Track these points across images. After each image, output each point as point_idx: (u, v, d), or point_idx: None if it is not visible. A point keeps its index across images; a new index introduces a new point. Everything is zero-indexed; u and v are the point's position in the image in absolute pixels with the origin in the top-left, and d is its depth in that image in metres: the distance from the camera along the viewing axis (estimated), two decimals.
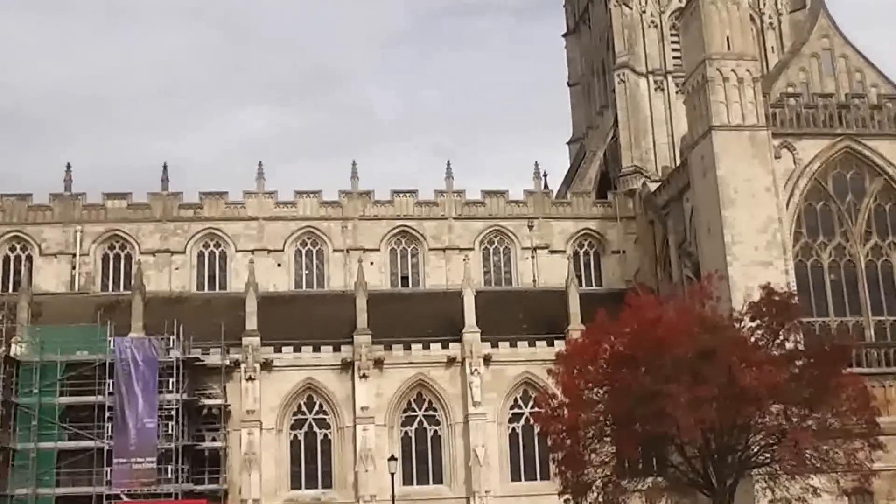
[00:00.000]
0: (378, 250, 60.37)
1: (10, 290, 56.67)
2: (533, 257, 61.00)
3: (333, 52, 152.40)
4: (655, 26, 68.72)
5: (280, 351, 51.97)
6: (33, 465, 47.58)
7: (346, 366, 51.84)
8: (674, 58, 66.98)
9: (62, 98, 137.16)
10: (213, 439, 50.51)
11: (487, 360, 52.35)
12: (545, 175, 65.04)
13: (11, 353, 48.72)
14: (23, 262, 58.13)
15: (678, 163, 60.90)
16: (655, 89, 67.12)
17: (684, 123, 58.96)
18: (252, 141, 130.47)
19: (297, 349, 52.22)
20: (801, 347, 39.45)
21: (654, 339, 36.22)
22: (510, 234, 61.53)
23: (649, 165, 64.49)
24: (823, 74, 55.39)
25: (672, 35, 67.46)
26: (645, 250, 60.97)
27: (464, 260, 57.44)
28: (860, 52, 55.96)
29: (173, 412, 48.57)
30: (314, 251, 60.55)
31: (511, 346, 53.02)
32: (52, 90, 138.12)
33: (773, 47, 68.44)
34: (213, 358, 50.93)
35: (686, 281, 53.74)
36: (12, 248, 59.01)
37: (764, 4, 69.69)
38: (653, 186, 62.17)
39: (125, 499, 46.13)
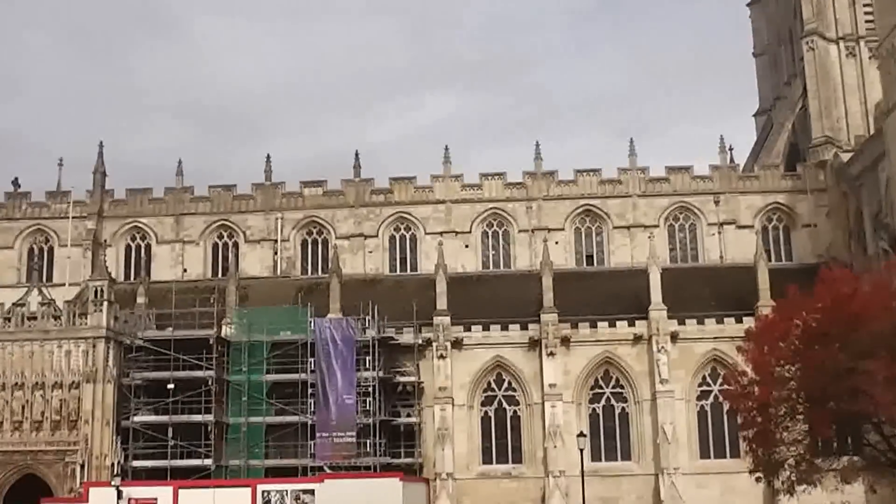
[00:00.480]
0: (562, 229, 61.24)
1: (220, 275, 60.87)
2: (719, 233, 60.37)
3: (516, 35, 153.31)
4: None
5: (469, 330, 53.45)
6: (244, 438, 50.79)
7: (534, 344, 52.85)
8: (866, 21, 64.13)
9: (261, 93, 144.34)
10: (408, 415, 52.62)
11: (674, 337, 52.22)
12: (731, 149, 64.23)
13: (222, 334, 52.11)
14: (230, 249, 62.29)
15: (872, 131, 58.50)
16: (847, 56, 64.51)
17: (878, 90, 56.73)
18: (438, 125, 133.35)
19: (486, 328, 53.58)
20: None
21: (849, 315, 35.46)
22: (695, 210, 61.11)
23: (841, 135, 62.16)
24: None
25: None
26: (837, 223, 59.15)
27: (648, 237, 57.43)
28: None
29: (370, 389, 50.80)
30: (500, 232, 62.04)
31: (698, 323, 52.65)
32: (251, 86, 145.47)
33: None
34: (406, 337, 52.97)
35: (882, 254, 51.82)
36: (220, 236, 63.40)
37: None
38: (845, 157, 59.96)
39: (328, 470, 48.37)
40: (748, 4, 79.10)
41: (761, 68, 77.07)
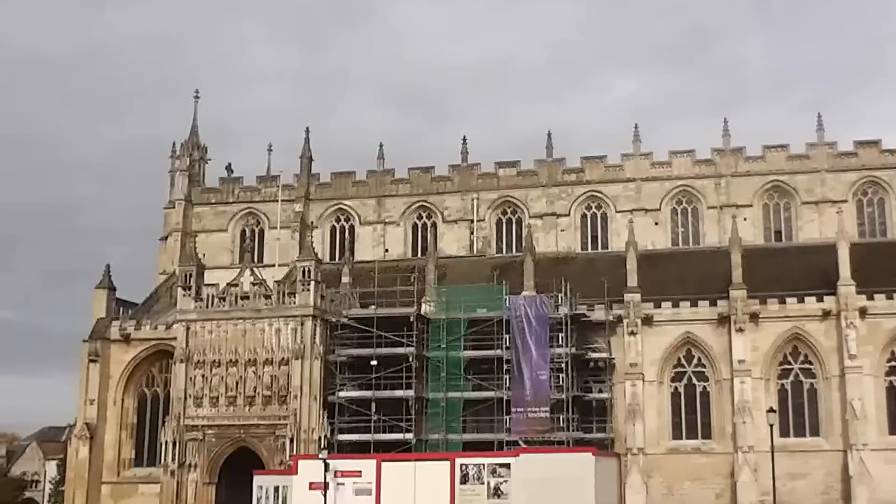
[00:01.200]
0: (750, 206, 61.65)
1: (419, 255, 63.80)
2: None
3: (705, 11, 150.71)
4: None
5: (659, 306, 54.35)
6: (443, 413, 52.71)
7: (723, 320, 53.41)
8: None
9: (454, 78, 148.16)
10: (600, 391, 53.99)
11: (863, 312, 51.89)
12: None
13: (422, 312, 54.38)
14: (428, 229, 65.58)
15: None
16: None
17: None
18: (628, 104, 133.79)
19: (675, 304, 54.36)
20: None
21: None
22: (884, 185, 60.43)
23: None
24: None
25: None
26: None
27: (837, 212, 56.96)
28: None
29: (563, 365, 52.09)
30: (689, 209, 63.00)
31: (887, 298, 52.16)
32: (445, 71, 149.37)
33: None
34: (598, 314, 54.17)
35: None
36: (419, 217, 66.68)
37: None
38: None
39: (523, 445, 50.05)
40: None
41: None
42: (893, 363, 52.56)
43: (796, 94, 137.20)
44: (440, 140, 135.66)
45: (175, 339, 54.85)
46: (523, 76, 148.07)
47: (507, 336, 53.18)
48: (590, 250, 63.49)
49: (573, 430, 51.54)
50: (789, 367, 53.54)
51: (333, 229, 67.42)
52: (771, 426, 46.16)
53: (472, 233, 65.10)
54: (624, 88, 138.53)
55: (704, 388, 54.07)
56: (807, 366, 53.30)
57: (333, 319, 53.86)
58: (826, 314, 52.79)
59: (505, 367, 52.83)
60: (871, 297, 52.41)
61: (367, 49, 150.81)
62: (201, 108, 70.83)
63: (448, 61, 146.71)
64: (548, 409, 51.68)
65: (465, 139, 67.08)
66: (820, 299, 52.98)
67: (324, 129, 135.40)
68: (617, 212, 63.33)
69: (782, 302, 53.52)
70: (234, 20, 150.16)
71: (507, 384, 52.58)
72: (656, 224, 62.70)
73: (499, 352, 53.09)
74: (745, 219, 60.41)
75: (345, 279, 58.39)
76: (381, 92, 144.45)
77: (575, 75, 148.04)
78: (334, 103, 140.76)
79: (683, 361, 54.66)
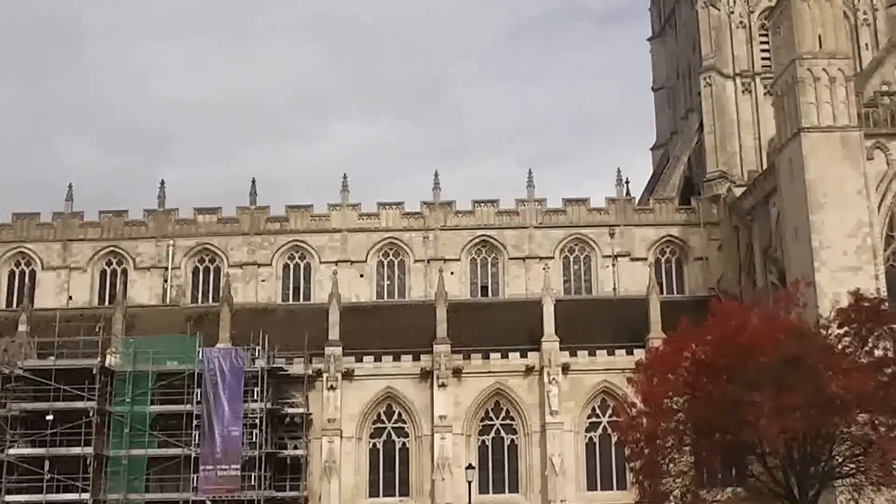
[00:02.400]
0: (458, 260, 60.91)
1: (107, 303, 58.75)
2: (614, 265, 60.52)
3: (429, 64, 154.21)
4: (744, 27, 67.29)
5: (361, 360, 52.75)
6: (125, 471, 49.32)
7: (426, 375, 52.27)
8: (762, 59, 65.58)
9: (165, 117, 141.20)
10: (295, 447, 51.49)
11: (566, 368, 52.14)
12: (627, 182, 64.82)
13: (107, 364, 50.45)
14: (118, 276, 60.38)
15: (765, 167, 59.40)
16: (742, 92, 65.71)
17: (772, 126, 57.97)
18: (341, 153, 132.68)
19: (378, 358, 52.90)
20: (890, 355, 38.09)
21: (737, 347, 35.78)
22: (591, 242, 61.25)
23: (735, 170, 63.16)
24: None
25: (761, 35, 66.05)
26: (729, 257, 59.80)
27: (543, 269, 57.46)
28: None
29: (257, 420, 49.67)
30: (396, 262, 61.39)
31: (590, 354, 52.80)
32: (152, 110, 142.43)
33: (867, 44, 66.06)
34: (297, 367, 51.99)
35: (771, 287, 52.37)
36: (108, 263, 61.41)
37: (859, 0, 67.65)
38: (738, 192, 60.81)
39: None
40: (649, 39, 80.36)
41: (660, 102, 78.13)
42: (594, 419, 52.90)
43: (510, 150, 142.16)
44: (142, 184, 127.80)
45: None
46: (238, 120, 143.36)
47: (199, 390, 50.27)
48: (292, 302, 60.30)
49: (265, 489, 49.31)
50: (491, 422, 52.96)
51: (12, 274, 61.63)
52: (469, 483, 45.23)
53: (166, 281, 60.45)
54: (352, 135, 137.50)
55: (404, 444, 52.68)
56: (508, 421, 52.88)
57: (6, 371, 49.95)
58: (529, 370, 52.62)
59: (195, 422, 49.92)
60: (574, 354, 52.80)
61: (61, 84, 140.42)
62: None
63: (156, 101, 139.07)
64: (239, 466, 49.13)
65: (162, 183, 63.15)
66: (524, 355, 52.85)
67: (16, 169, 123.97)
68: (322, 263, 60.67)
69: (486, 357, 53.04)
70: None
71: (197, 440, 49.65)
72: (361, 276, 60.60)
73: (189, 406, 50.13)
74: (452, 273, 59.47)
75: (22, 328, 54.11)
76: (102, 129, 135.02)
77: (303, 119, 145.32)
78: (50, 139, 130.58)
79: (384, 417, 53.19)
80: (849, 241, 48.01)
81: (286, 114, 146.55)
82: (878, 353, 37.56)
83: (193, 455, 49.31)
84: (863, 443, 35.90)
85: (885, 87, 52.68)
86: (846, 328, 37.57)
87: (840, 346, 37.42)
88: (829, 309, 40.38)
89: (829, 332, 37.92)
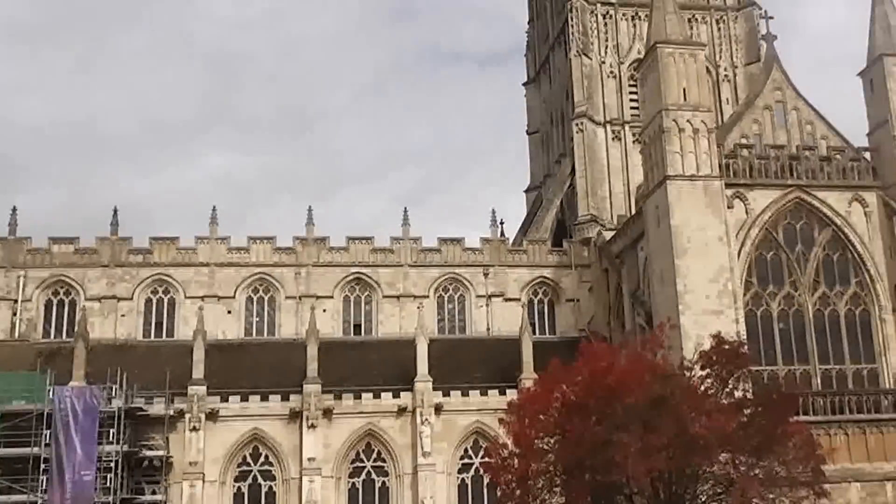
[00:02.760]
0: (331, 297, 59.63)
1: None
2: (488, 305, 60.51)
3: (301, 96, 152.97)
4: (614, 77, 69.01)
5: (227, 400, 50.64)
6: None
7: (295, 415, 50.62)
8: (631, 108, 67.37)
9: (22, 141, 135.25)
10: (154, 492, 48.87)
11: (438, 409, 51.40)
12: (502, 223, 65.26)
13: None
14: None
15: (633, 212, 60.66)
16: (613, 139, 67.21)
17: (640, 173, 58.92)
18: (211, 185, 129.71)
19: (245, 398, 50.90)
20: (749, 396, 39.37)
21: (605, 388, 35.99)
22: (465, 282, 61.04)
23: (605, 214, 64.45)
24: (776, 126, 55.60)
25: (630, 86, 67.96)
26: (599, 299, 60.58)
27: (418, 308, 56.83)
28: (811, 106, 56.37)
29: (113, 464, 46.88)
30: (266, 298, 59.68)
31: (463, 395, 52.13)
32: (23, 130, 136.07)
33: (727, 99, 69.22)
34: (157, 408, 49.56)
35: (639, 329, 53.21)
36: None
37: (720, 57, 70.52)
38: (608, 235, 62.00)
39: None
40: (524, 84, 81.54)
41: (534, 146, 79.28)
42: (466, 461, 52.14)
43: (386, 187, 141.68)
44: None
45: None
46: (109, 143, 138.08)
47: (49, 431, 46.96)
48: (154, 338, 57.67)
49: None
50: (362, 464, 51.62)
51: None
52: None
53: (14, 314, 56.88)
54: (221, 167, 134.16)
55: (271, 487, 50.59)
56: (380, 463, 51.69)
57: None
58: (402, 410, 51.67)
59: (43, 466, 46.57)
60: (447, 394, 52.16)
61: None
62: None
63: (28, 123, 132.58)
64: None
65: (14, 209, 59.12)
66: (396, 395, 51.92)
67: None
68: (187, 297, 58.34)
69: (358, 397, 51.86)
70: None
71: (45, 486, 46.26)
72: (229, 312, 58.57)
73: (37, 449, 46.70)
74: (324, 310, 58.15)
75: None
76: None
77: (169, 148, 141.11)
78: None
79: (250, 459, 51.02)
80: (711, 286, 49.16)
81: (150, 142, 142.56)
82: (738, 394, 38.52)
83: (40, 502, 46.05)
84: (724, 481, 36.57)
85: (744, 140, 54.39)
86: (708, 370, 38.30)
87: (703, 388, 38.13)
88: (692, 351, 40.97)
89: (693, 373, 38.53)
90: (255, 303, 59.48)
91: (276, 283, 59.56)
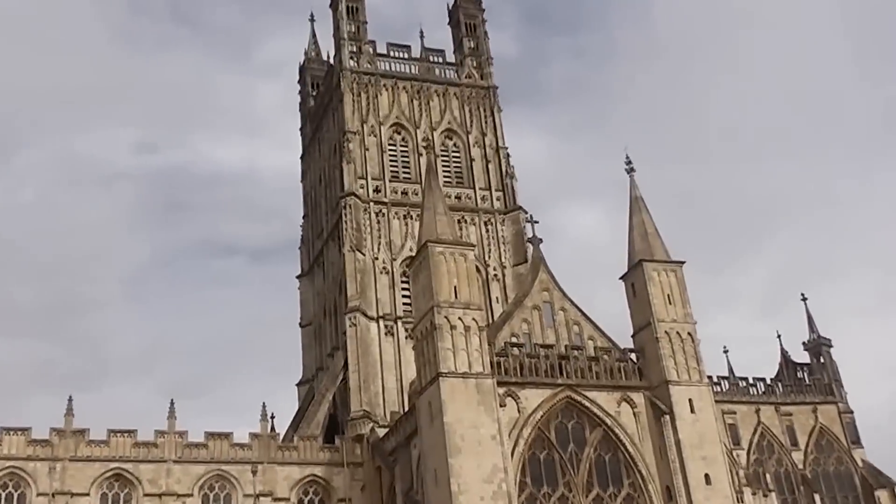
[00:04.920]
0: (88, 495, 56.03)
1: None
2: None
3: (69, 284, 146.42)
4: (387, 273, 70.45)
5: None
6: None
7: None
8: (404, 304, 68.67)
9: None
10: None
11: None
12: (272, 417, 63.79)
13: None
14: None
15: (406, 408, 60.85)
16: (385, 334, 68.00)
17: (413, 368, 59.32)
18: None
19: None
20: None
21: None
22: (232, 480, 58.74)
23: (378, 410, 64.33)
24: (545, 325, 57.66)
25: (402, 282, 69.38)
26: (372, 498, 59.51)
27: None
28: (578, 307, 58.90)
29: None
30: (15, 495, 55.37)
31: None
32: None
33: (497, 298, 71.50)
34: None
35: None
36: None
37: (489, 257, 73.39)
38: (381, 432, 61.60)
39: None
40: (298, 276, 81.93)
41: (307, 338, 79.05)
42: None
43: (156, 379, 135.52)
44: None
45: None
46: None
47: None
48: None
49: None
50: None
51: None
52: None
53: None
54: None
55: None
56: None
57: None
58: None
59: None
60: None
61: None
62: None
63: None
64: None
65: None
66: None
67: None
68: None
69: None
70: None
71: None
72: None
73: None
74: None
75: None
76: None
77: None
78: None
79: None
80: (485, 486, 49.10)
81: None
82: None
83: None
84: None
85: (514, 339, 55.97)
86: None
87: None
88: None
89: None
90: (3, 500, 54.77)
91: (28, 477, 55.52)
